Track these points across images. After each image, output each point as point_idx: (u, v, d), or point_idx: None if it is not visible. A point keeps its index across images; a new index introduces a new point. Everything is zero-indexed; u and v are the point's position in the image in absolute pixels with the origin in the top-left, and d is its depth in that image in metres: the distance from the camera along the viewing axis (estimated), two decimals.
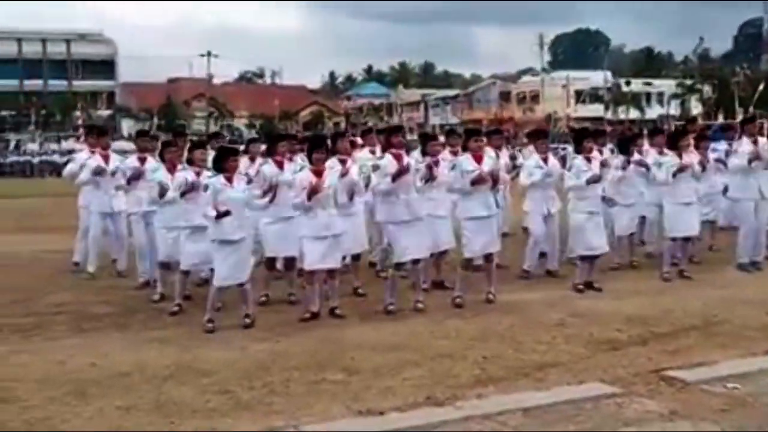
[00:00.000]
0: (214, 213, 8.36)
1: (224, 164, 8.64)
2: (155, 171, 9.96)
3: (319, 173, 8.86)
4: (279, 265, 10.09)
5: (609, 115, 77.98)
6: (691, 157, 10.98)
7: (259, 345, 7.77)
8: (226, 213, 8.34)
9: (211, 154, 9.56)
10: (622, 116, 76.93)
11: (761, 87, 65.93)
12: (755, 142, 11.29)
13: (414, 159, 9.78)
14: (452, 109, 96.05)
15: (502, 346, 7.63)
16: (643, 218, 12.10)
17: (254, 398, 6.24)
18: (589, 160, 10.31)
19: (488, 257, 9.69)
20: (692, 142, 11.31)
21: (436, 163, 9.64)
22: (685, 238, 11.02)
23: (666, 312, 8.86)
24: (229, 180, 8.56)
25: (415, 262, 9.28)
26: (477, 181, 9.40)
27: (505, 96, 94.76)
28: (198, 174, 9.17)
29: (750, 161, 11.10)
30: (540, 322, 8.53)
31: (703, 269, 11.46)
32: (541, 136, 11.64)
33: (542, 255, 11.25)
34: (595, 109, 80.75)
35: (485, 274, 9.75)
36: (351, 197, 9.25)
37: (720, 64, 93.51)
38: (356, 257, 10.16)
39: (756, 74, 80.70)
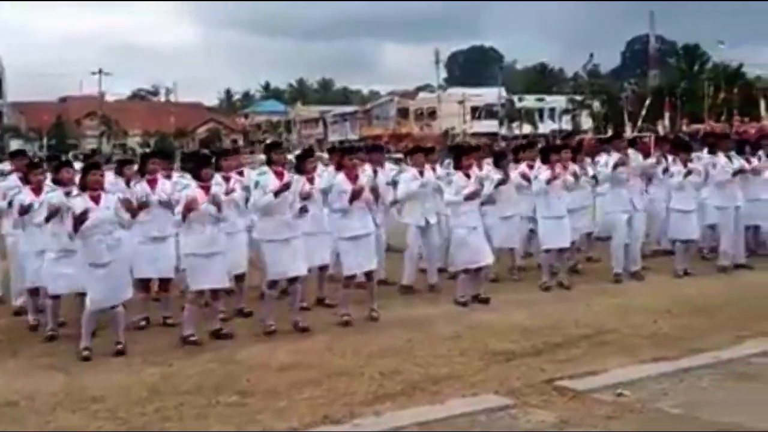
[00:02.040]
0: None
1: (86, 181, 8.30)
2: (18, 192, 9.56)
3: (206, 191, 8.71)
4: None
5: (504, 131, 79.63)
6: (564, 170, 11.28)
7: (151, 369, 7.58)
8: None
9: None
10: (516, 131, 78.64)
11: (648, 102, 68.37)
12: (626, 155, 11.69)
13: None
14: (351, 125, 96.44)
15: (399, 361, 7.63)
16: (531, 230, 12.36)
17: (146, 424, 6.08)
18: (468, 176, 10.47)
19: (368, 275, 9.70)
20: (568, 155, 11.61)
21: (311, 180, 9.67)
22: (560, 249, 11.28)
23: (557, 322, 9.05)
24: (96, 198, 8.24)
25: (293, 280, 9.21)
26: (353, 200, 9.42)
27: (403, 112, 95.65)
28: (68, 194, 8.67)
29: (615, 166, 11.48)
30: (436, 336, 8.58)
31: (589, 279, 11.78)
32: (417, 151, 11.91)
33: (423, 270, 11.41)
34: (491, 125, 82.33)
35: (367, 290, 9.75)
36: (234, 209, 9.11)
37: (609, 80, 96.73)
38: (240, 277, 10.02)
39: (643, 89, 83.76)
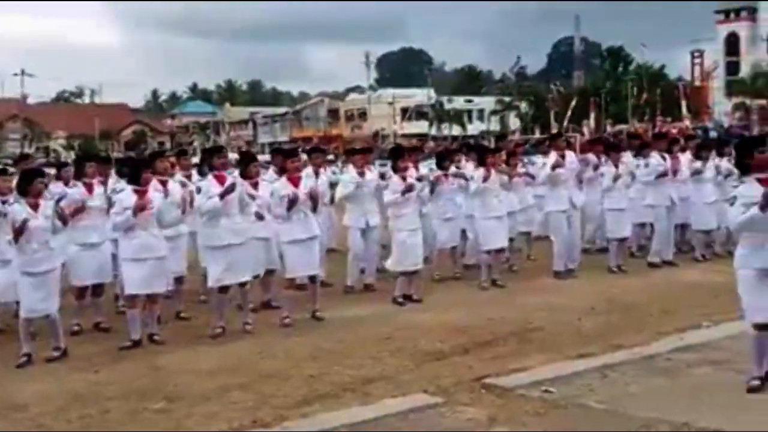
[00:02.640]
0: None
1: (29, 188, 8.14)
2: None
3: (141, 195, 8.58)
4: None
5: (433, 132, 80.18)
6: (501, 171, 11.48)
7: (76, 376, 7.45)
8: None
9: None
10: (445, 132, 79.26)
11: (574, 102, 69.57)
12: (563, 157, 11.93)
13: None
14: (281, 126, 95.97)
15: (330, 363, 7.64)
16: (464, 230, 12.48)
17: None
18: (404, 178, 10.54)
19: (312, 278, 9.71)
20: (503, 157, 11.82)
21: (256, 185, 9.65)
22: (498, 249, 11.44)
23: (486, 321, 9.16)
24: (35, 206, 8.05)
25: (242, 284, 9.16)
26: (290, 207, 9.39)
27: (333, 114, 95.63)
28: (4, 203, 8.45)
29: (553, 167, 11.70)
30: (367, 337, 8.61)
31: (521, 278, 11.96)
32: (356, 152, 11.95)
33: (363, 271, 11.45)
34: (421, 126, 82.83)
35: (310, 293, 9.76)
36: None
37: (536, 81, 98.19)
38: (179, 280, 9.92)
39: (569, 90, 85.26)
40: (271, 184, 9.95)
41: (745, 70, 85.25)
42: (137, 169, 8.81)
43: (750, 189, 6.16)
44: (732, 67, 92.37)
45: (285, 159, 10.05)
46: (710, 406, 5.97)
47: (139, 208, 8.41)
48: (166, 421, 6.12)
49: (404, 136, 73.09)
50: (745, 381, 6.27)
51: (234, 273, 9.01)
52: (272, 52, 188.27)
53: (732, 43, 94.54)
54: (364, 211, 11.16)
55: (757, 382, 6.20)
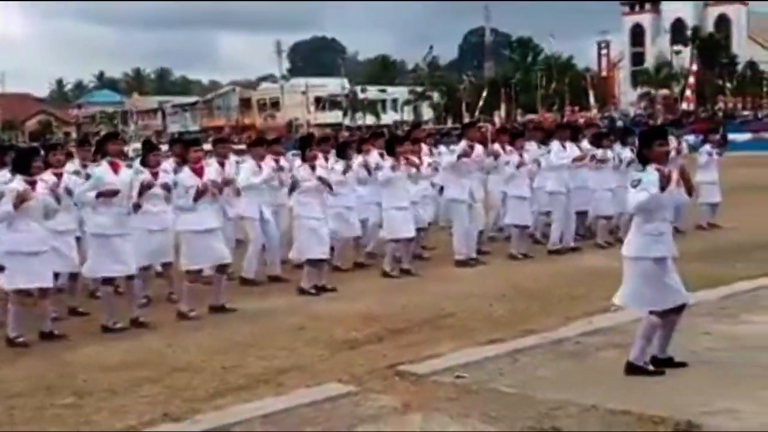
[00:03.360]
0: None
1: None
2: None
3: (32, 185, 8.30)
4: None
5: (347, 121, 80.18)
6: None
7: None
8: None
9: None
10: (359, 122, 79.33)
11: (485, 93, 70.47)
12: (472, 147, 12.08)
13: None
14: (192, 116, 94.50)
15: (243, 354, 7.58)
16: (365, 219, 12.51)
17: None
18: (313, 168, 10.50)
19: (220, 268, 9.58)
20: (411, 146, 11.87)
21: (155, 175, 9.49)
22: (406, 238, 11.49)
23: (399, 309, 9.22)
24: None
25: (129, 277, 8.99)
26: (198, 198, 9.25)
27: (245, 103, 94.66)
28: None
29: (459, 157, 11.87)
30: (280, 328, 8.57)
31: (432, 265, 12.08)
32: (257, 144, 11.93)
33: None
34: (335, 116, 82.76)
35: (216, 284, 9.63)
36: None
37: (448, 72, 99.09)
38: (73, 276, 9.64)
39: (480, 81, 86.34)
40: (169, 174, 9.81)
41: (649, 61, 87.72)
42: (26, 159, 8.50)
43: (650, 177, 6.33)
44: (637, 58, 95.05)
45: (185, 149, 9.90)
46: (617, 388, 6.11)
47: (21, 199, 8.10)
48: (75, 417, 5.97)
49: (318, 125, 72.92)
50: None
51: (115, 265, 8.81)
52: (182, 40, 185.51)
53: (637, 35, 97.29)
54: (262, 201, 11.10)
55: (651, 367, 6.37)
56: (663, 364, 6.42)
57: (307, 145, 10.87)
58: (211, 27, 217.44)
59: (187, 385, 6.67)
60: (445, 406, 5.91)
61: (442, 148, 14.16)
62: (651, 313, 6.36)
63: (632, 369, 6.35)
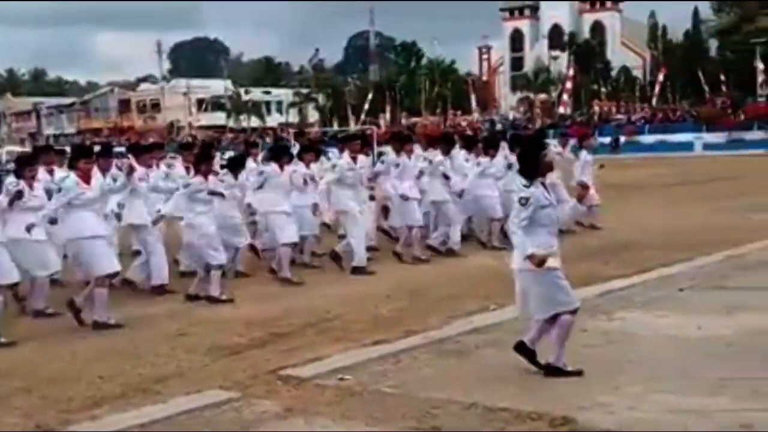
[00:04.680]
0: None
1: None
2: None
3: None
4: None
5: (231, 123, 79.26)
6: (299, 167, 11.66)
7: None
8: None
9: None
10: (244, 124, 78.54)
11: (370, 96, 70.88)
12: (354, 159, 12.19)
13: None
14: (68, 118, 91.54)
15: (121, 362, 7.37)
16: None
17: None
18: (206, 177, 10.35)
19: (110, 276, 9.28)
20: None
21: (30, 183, 9.20)
22: (293, 243, 11.45)
23: (284, 313, 9.15)
24: None
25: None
26: (86, 203, 8.99)
27: (124, 104, 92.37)
28: None
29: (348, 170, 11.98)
30: (160, 334, 8.38)
31: (317, 270, 12.06)
32: (143, 150, 11.55)
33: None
34: (218, 117, 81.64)
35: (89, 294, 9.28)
36: None
37: (333, 74, 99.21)
38: None
39: (365, 84, 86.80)
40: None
41: (528, 66, 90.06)
42: None
43: (539, 194, 6.33)
44: (516, 63, 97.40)
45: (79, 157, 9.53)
46: (497, 385, 6.24)
47: None
48: None
49: (201, 127, 71.82)
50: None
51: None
52: (57, 40, 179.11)
53: (516, 40, 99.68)
54: (146, 208, 10.80)
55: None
56: (525, 351, 6.48)
57: (188, 150, 10.68)
58: (88, 26, 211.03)
59: (61, 395, 6.44)
60: (327, 409, 5.89)
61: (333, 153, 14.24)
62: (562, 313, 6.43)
63: (551, 371, 6.40)
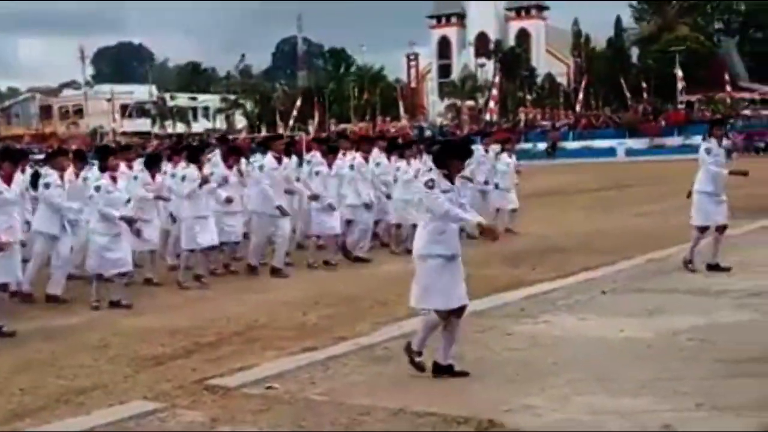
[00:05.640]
0: None
1: None
2: None
3: None
4: None
5: (156, 129, 78.08)
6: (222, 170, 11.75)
7: None
8: None
9: None
10: (169, 130, 77.43)
11: (299, 102, 70.57)
12: (279, 159, 12.15)
13: None
14: None
15: (42, 374, 7.19)
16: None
17: None
18: (114, 178, 10.16)
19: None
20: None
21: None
22: (207, 248, 11.36)
23: (210, 321, 9.04)
24: None
25: None
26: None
27: (46, 110, 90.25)
28: None
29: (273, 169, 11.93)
30: (82, 345, 8.20)
31: (238, 277, 11.98)
32: (58, 155, 11.29)
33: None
34: (143, 123, 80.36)
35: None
36: None
37: (261, 80, 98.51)
38: None
39: (293, 90, 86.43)
40: None
41: (456, 73, 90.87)
42: None
43: (439, 178, 6.51)
44: (444, 70, 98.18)
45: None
46: (424, 390, 6.27)
47: None
48: None
49: (125, 134, 70.54)
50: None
51: None
52: None
53: (444, 47, 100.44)
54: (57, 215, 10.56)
55: (419, 358, 6.61)
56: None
57: (106, 155, 10.43)
58: (8, 30, 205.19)
59: None
60: (254, 418, 5.84)
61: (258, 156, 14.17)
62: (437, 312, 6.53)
63: (438, 369, 6.53)
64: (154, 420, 5.86)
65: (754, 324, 8.01)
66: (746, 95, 65.77)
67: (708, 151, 10.79)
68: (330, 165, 12.92)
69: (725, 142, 11.59)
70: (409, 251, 13.07)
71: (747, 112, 55.35)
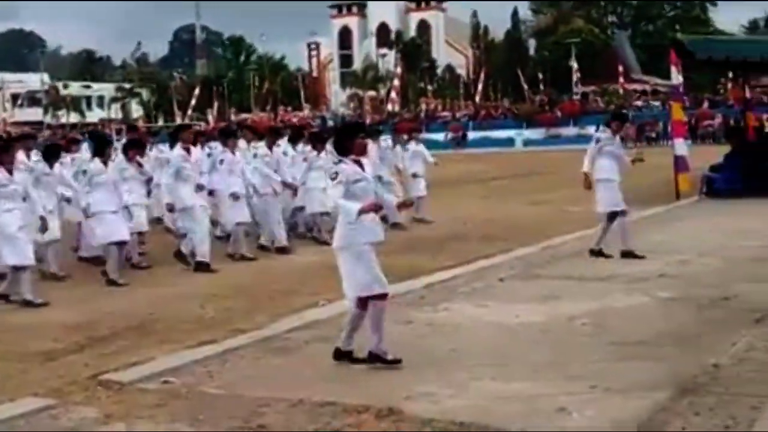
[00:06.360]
0: None
1: None
2: None
3: None
4: None
5: (49, 119, 75.66)
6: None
7: None
8: None
9: None
10: (63, 120, 75.13)
11: (197, 91, 69.49)
12: (188, 150, 11.93)
13: None
14: None
15: None
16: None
17: None
18: (10, 171, 9.79)
19: None
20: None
21: None
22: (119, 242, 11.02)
23: (104, 316, 8.82)
24: None
25: None
26: None
27: None
28: None
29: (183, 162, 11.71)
30: None
31: (142, 272, 11.71)
32: None
33: None
34: (34, 113, 77.74)
35: None
36: None
37: (158, 68, 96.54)
38: None
39: (192, 79, 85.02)
40: None
41: (357, 63, 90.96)
42: None
43: (349, 168, 6.55)
44: (345, 60, 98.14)
45: None
46: (325, 380, 6.24)
47: None
48: None
49: (15, 124, 68.04)
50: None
51: None
52: None
53: (345, 37, 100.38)
54: None
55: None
56: (343, 356, 6.60)
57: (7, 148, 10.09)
58: None
59: None
60: (150, 412, 5.71)
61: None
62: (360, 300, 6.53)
63: (372, 358, 6.50)
64: (45, 417, 5.68)
65: (644, 308, 8.27)
66: (638, 87, 67.87)
67: (598, 140, 11.06)
68: (233, 151, 12.74)
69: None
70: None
71: (639, 103, 57.09)
